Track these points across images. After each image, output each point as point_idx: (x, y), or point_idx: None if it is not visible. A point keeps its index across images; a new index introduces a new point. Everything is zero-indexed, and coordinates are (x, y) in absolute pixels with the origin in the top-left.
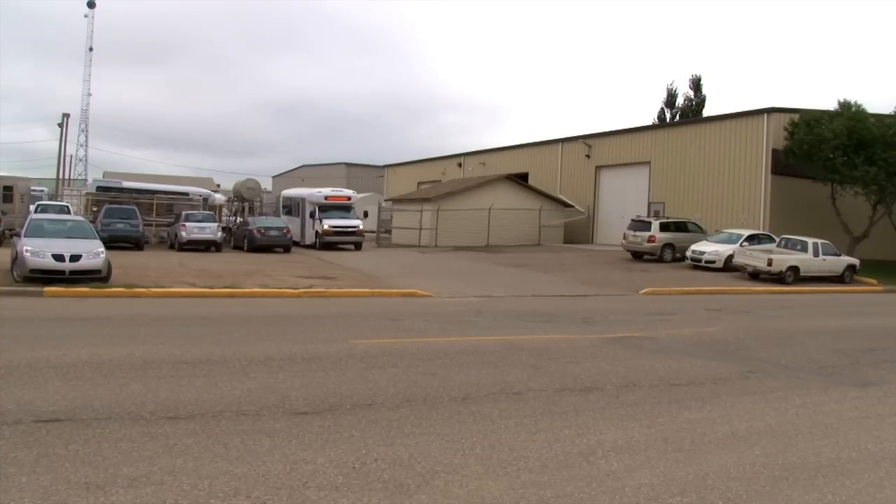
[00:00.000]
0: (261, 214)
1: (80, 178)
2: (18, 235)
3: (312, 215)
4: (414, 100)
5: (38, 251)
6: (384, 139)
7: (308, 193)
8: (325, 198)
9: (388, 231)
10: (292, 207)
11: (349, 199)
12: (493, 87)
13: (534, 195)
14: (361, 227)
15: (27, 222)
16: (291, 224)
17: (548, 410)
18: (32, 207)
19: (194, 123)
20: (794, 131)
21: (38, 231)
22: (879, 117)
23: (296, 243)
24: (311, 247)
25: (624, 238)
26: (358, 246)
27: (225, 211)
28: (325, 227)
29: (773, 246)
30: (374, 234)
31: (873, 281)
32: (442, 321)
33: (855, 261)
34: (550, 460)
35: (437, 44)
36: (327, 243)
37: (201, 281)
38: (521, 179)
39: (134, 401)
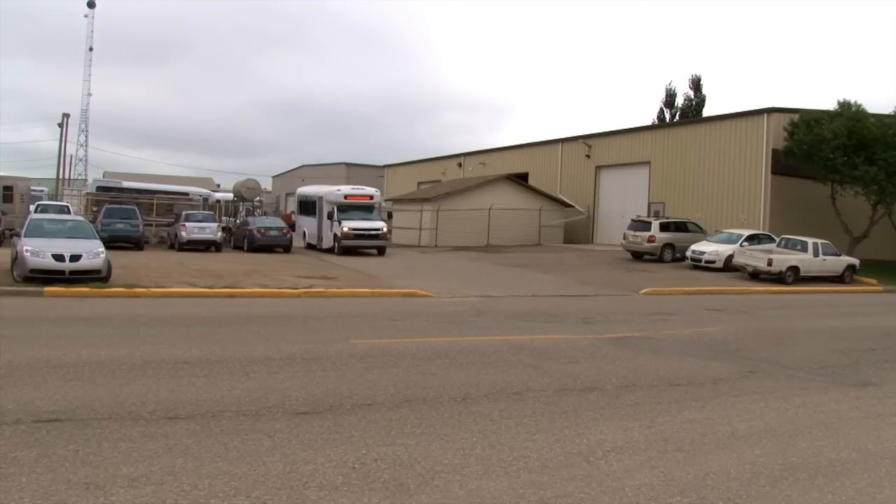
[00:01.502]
0: (261, 214)
1: (80, 178)
2: (18, 235)
3: (331, 216)
4: (417, 99)
5: (38, 251)
6: (386, 138)
7: (326, 192)
8: (345, 197)
9: (388, 231)
10: (309, 207)
11: (371, 198)
12: (496, 86)
13: (534, 195)
14: (386, 229)
15: (27, 222)
16: (308, 226)
17: (548, 410)
18: (32, 207)
19: (194, 123)
20: (794, 131)
21: (38, 231)
22: (879, 117)
23: (312, 246)
24: (330, 251)
25: (624, 238)
26: (381, 251)
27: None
28: (345, 229)
29: (773, 246)
30: None
31: (873, 281)
32: (442, 321)
33: (855, 261)
34: (550, 460)
35: (440, 42)
36: (347, 248)
37: (201, 281)
38: (521, 179)
39: (134, 401)
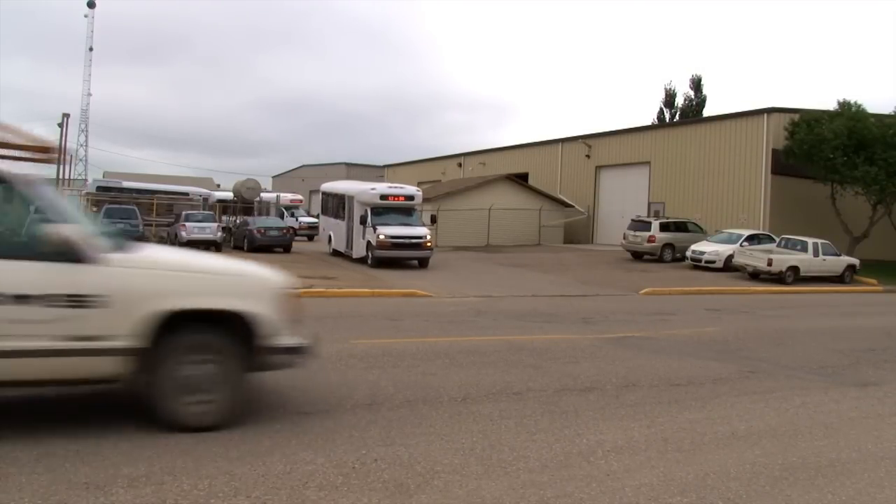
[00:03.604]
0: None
1: (80, 177)
2: None
3: (363, 221)
4: (419, 98)
5: None
6: (388, 138)
7: (358, 190)
8: (381, 197)
9: None
10: (335, 207)
11: (412, 198)
12: (497, 85)
13: (534, 195)
14: (429, 237)
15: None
16: (334, 229)
17: (548, 410)
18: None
19: (194, 122)
20: (794, 131)
21: None
22: (879, 117)
23: (338, 253)
24: (362, 261)
25: (624, 238)
26: (423, 262)
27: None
28: (381, 237)
29: (773, 246)
30: None
31: (873, 281)
32: (442, 321)
33: (855, 261)
34: (550, 460)
35: (442, 41)
36: (384, 259)
37: None
38: (521, 179)
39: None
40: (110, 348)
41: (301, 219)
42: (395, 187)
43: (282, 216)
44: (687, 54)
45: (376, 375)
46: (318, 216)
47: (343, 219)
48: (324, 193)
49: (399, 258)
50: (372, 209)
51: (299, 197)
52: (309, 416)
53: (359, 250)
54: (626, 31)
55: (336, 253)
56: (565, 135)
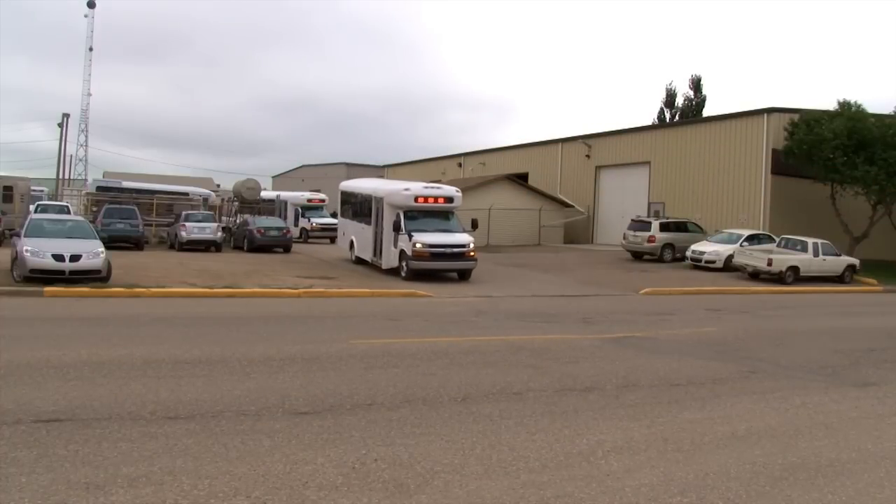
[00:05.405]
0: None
1: (80, 178)
2: (18, 235)
3: (397, 227)
4: (420, 97)
5: (37, 251)
6: (389, 137)
7: (388, 191)
8: (416, 199)
9: None
10: (359, 208)
11: (451, 200)
12: (498, 85)
13: (534, 195)
14: (473, 244)
15: (27, 222)
16: (357, 234)
17: (548, 410)
18: (32, 207)
19: (194, 122)
20: (793, 131)
21: (38, 231)
22: (879, 117)
23: (362, 261)
24: (394, 272)
25: (624, 238)
26: (465, 274)
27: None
28: (417, 246)
29: (773, 246)
30: None
31: (873, 281)
32: (442, 321)
33: (855, 261)
34: (550, 460)
35: (443, 40)
36: (420, 270)
37: (201, 281)
38: (521, 179)
39: (134, 401)
40: None
41: (314, 220)
42: (432, 187)
43: (297, 217)
44: (687, 54)
45: (376, 375)
46: (334, 214)
47: (369, 223)
48: (343, 193)
49: (438, 270)
50: (405, 213)
51: (321, 196)
52: (309, 415)
53: (389, 260)
54: (627, 31)
55: (360, 261)
56: (565, 135)
